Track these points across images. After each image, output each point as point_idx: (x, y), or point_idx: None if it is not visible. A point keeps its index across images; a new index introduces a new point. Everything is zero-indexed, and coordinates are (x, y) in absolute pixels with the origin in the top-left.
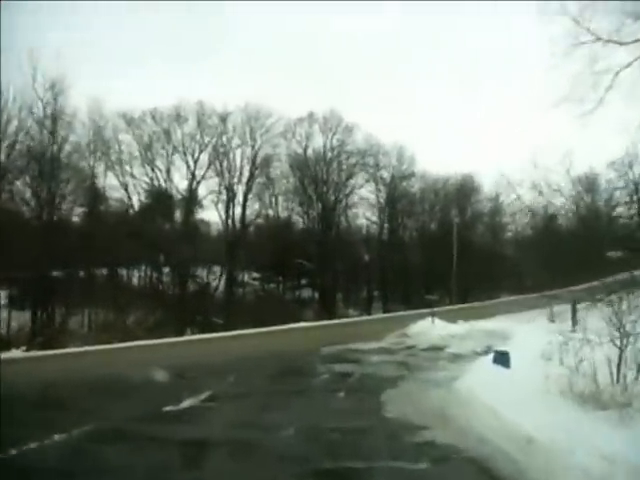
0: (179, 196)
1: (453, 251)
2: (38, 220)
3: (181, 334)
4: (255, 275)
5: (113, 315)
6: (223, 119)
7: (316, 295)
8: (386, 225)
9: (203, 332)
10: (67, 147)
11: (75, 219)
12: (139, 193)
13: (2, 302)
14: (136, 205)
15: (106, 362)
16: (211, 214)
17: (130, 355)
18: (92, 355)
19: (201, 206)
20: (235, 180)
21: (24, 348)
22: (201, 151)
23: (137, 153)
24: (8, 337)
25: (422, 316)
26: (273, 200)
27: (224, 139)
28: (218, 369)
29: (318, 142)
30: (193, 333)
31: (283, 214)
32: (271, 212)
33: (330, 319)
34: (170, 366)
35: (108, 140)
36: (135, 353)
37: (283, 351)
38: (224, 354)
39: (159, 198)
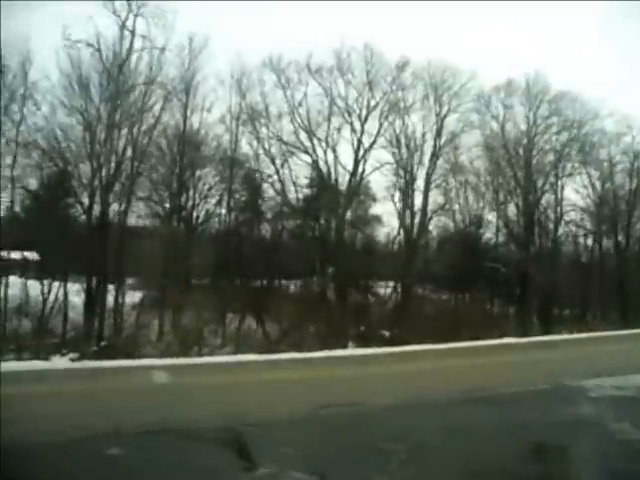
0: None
1: None
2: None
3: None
4: (435, 282)
5: (255, 325)
6: (400, 69)
7: (510, 310)
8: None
9: (365, 346)
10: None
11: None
12: (292, 172)
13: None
14: (292, 193)
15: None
16: (384, 207)
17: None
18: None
19: (374, 199)
20: (414, 159)
21: (71, 356)
22: (369, 112)
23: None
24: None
25: None
26: (462, 189)
27: (399, 95)
28: (346, 434)
29: (518, 115)
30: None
31: (473, 207)
32: (457, 206)
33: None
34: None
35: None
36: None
37: (497, 387)
38: (382, 387)
39: (322, 183)
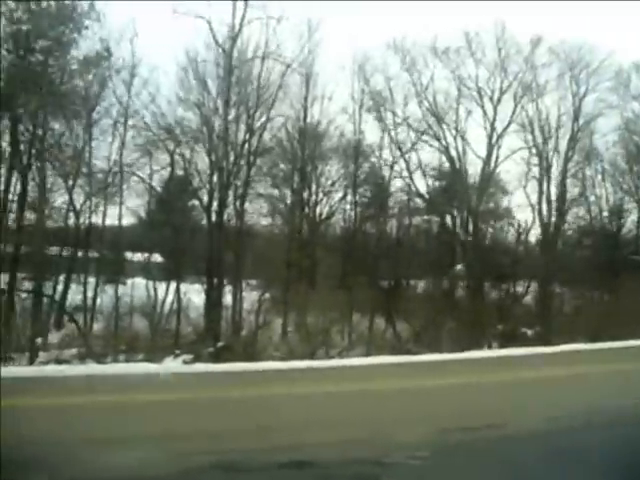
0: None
1: None
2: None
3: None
4: (573, 277)
5: (384, 326)
6: (534, 45)
7: None
8: None
9: (508, 346)
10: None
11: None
12: (420, 162)
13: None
14: (420, 185)
15: None
16: (515, 198)
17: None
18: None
19: (505, 191)
20: (549, 145)
21: (185, 358)
22: (502, 94)
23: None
24: None
25: None
26: (599, 176)
27: (532, 75)
28: None
29: None
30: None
31: (610, 197)
32: (593, 196)
33: None
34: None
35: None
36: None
37: None
38: (552, 399)
39: (453, 173)
